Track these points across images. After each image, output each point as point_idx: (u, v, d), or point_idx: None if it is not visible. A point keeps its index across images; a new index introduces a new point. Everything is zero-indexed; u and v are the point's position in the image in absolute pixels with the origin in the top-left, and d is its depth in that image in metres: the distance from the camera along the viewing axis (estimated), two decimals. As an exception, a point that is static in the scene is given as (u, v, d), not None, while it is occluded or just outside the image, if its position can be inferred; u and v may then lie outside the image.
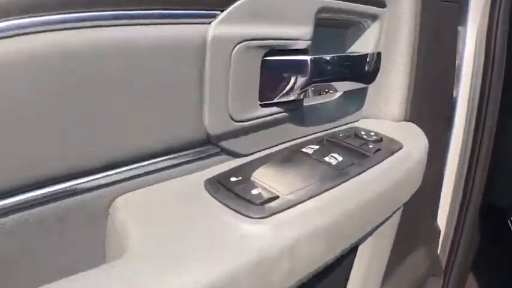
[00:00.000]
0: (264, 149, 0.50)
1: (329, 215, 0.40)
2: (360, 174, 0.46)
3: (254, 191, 0.39)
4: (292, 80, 0.48)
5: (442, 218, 0.98)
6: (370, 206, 0.46)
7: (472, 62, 0.91)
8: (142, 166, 0.40)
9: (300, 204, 0.39)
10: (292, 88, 0.48)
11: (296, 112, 0.52)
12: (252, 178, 0.42)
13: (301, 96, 0.49)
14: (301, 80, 0.47)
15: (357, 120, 0.63)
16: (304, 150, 0.49)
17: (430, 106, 0.73)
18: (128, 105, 0.36)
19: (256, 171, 0.44)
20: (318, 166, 0.46)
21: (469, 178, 0.99)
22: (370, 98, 0.64)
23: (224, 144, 0.45)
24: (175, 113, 0.40)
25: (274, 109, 0.49)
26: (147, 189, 0.41)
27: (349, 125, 0.61)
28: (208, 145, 0.44)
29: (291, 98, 0.48)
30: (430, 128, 0.68)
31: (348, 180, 0.44)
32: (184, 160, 0.43)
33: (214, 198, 0.39)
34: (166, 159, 0.42)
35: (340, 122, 0.60)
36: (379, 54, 0.59)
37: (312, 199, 0.40)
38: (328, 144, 0.53)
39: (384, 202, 0.50)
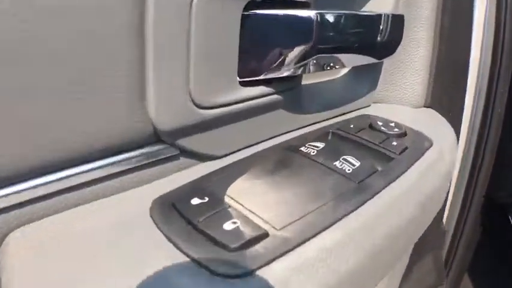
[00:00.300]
0: (245, 148, 0.35)
1: (347, 260, 0.25)
2: (385, 188, 0.31)
3: (228, 225, 0.24)
4: (288, 47, 0.32)
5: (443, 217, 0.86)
6: (398, 238, 0.32)
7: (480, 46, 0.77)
8: (50, 182, 0.25)
9: (303, 247, 0.24)
10: (287, 59, 0.33)
11: (291, 94, 0.37)
12: (225, 199, 0.27)
13: (299, 72, 0.34)
14: (301, 47, 0.32)
15: (368, 106, 0.48)
16: (303, 149, 0.34)
17: (450, 90, 0.58)
18: (24, 84, 0.21)
19: (233, 185, 0.29)
20: (326, 176, 0.31)
21: (473, 174, 0.88)
22: (386, 76, 0.48)
23: (184, 143, 0.30)
24: (98, 96, 0.24)
25: (260, 90, 0.33)
26: (56, 217, 0.26)
27: (359, 112, 0.46)
28: (159, 144, 0.29)
29: (285, 73, 0.33)
30: (449, 118, 0.54)
31: (370, 198, 0.29)
32: (119, 170, 0.27)
33: (162, 232, 0.24)
34: (90, 170, 0.26)
35: (347, 108, 0.45)
36: (401, 18, 0.43)
37: (321, 236, 0.25)
38: (336, 140, 0.38)
39: (413, 228, 0.35)
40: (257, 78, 0.33)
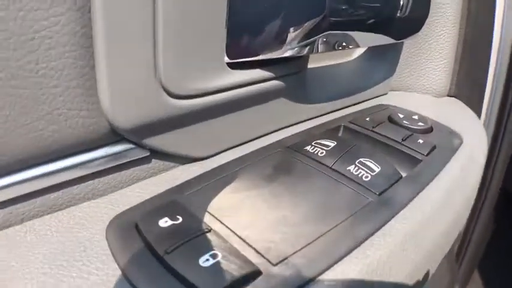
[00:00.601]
0: (235, 148, 0.28)
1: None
2: (412, 200, 0.24)
3: (205, 259, 0.17)
4: (293, 20, 0.25)
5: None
6: (430, 260, 0.25)
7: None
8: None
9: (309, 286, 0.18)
10: (290, 36, 0.26)
11: (294, 79, 0.30)
12: (205, 219, 0.20)
13: (305, 52, 0.27)
14: (309, 21, 0.25)
15: (385, 94, 0.41)
16: (309, 149, 0.27)
17: (473, 77, 0.51)
18: None
19: (216, 199, 0.22)
20: (339, 186, 0.24)
21: (489, 166, 0.81)
22: (406, 60, 0.41)
23: (154, 142, 0.23)
24: (35, 90, 0.17)
25: (255, 74, 0.26)
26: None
27: (374, 102, 0.39)
28: (123, 144, 0.22)
29: (287, 53, 0.26)
30: (474, 107, 0.47)
31: (395, 215, 0.23)
32: (69, 177, 0.21)
33: (117, 264, 0.18)
34: (29, 179, 0.20)
35: (361, 97, 0.38)
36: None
37: (334, 271, 0.18)
38: (349, 136, 0.31)
39: (445, 242, 0.29)
40: (251, 59, 0.26)
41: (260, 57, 0.26)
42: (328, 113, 0.34)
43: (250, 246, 0.19)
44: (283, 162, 0.26)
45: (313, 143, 0.28)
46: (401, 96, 0.41)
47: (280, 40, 0.26)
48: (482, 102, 0.65)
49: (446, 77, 0.43)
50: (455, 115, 0.39)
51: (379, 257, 0.20)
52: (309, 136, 0.29)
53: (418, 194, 0.25)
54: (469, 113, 0.42)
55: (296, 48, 0.27)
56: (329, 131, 0.31)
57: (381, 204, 0.23)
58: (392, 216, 0.22)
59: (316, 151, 0.27)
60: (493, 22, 0.59)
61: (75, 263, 0.18)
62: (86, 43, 0.18)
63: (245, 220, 0.20)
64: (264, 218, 0.21)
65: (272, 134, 0.31)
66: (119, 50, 0.19)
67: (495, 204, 0.87)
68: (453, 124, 0.36)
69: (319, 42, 0.28)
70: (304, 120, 0.33)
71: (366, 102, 0.38)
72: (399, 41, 0.38)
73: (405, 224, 0.22)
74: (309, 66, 0.33)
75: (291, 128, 0.32)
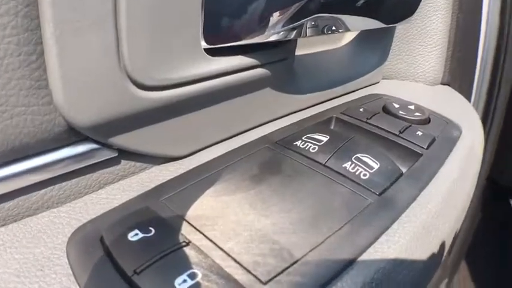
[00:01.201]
0: (216, 144, 0.25)
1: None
2: (415, 199, 0.22)
3: (182, 280, 0.15)
4: (278, 2, 0.22)
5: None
6: (433, 262, 0.23)
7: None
8: None
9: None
10: (275, 18, 0.23)
11: (281, 67, 0.27)
12: (182, 230, 0.17)
13: (293, 36, 0.24)
14: (297, 4, 0.22)
15: (377, 82, 0.39)
16: (299, 144, 0.24)
17: (465, 65, 0.49)
18: None
19: (196, 204, 0.19)
20: (335, 186, 0.21)
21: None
22: (398, 47, 0.39)
23: (121, 141, 0.20)
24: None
25: (237, 61, 0.23)
26: None
27: (366, 91, 0.36)
28: (88, 144, 0.19)
29: (272, 38, 0.23)
30: (467, 96, 0.45)
31: (398, 217, 0.20)
32: (24, 184, 0.18)
33: (78, 286, 0.15)
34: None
35: (352, 86, 0.35)
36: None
37: (333, 286, 0.16)
38: (343, 129, 0.28)
39: (449, 239, 0.26)
40: (232, 44, 0.23)
41: (242, 42, 0.23)
42: (319, 103, 0.32)
43: (235, 261, 0.16)
44: (271, 160, 0.23)
45: (303, 138, 0.25)
46: (394, 84, 0.38)
47: (264, 23, 0.23)
48: (472, 89, 0.64)
49: (440, 64, 0.40)
50: (451, 104, 0.37)
51: (384, 266, 0.18)
52: (299, 129, 0.26)
53: (420, 192, 0.22)
54: (464, 102, 0.40)
55: (282, 32, 0.24)
56: (320, 123, 0.28)
57: (382, 205, 0.20)
58: (395, 219, 0.20)
59: (308, 146, 0.24)
60: (481, 6, 0.57)
61: (30, 286, 0.15)
62: (31, 25, 0.15)
63: (229, 230, 0.18)
64: (251, 227, 0.18)
65: (258, 128, 0.28)
66: (73, 33, 0.15)
67: (482, 193, 0.87)
68: (450, 114, 0.33)
69: (308, 26, 0.25)
70: (293, 112, 0.30)
71: (357, 91, 0.35)
72: (391, 26, 0.36)
73: (409, 227, 0.20)
74: (297, 53, 0.31)
75: (279, 120, 0.29)
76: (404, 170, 0.24)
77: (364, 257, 0.18)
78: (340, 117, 0.29)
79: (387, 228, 0.19)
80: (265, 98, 0.27)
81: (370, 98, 0.33)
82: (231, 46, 0.22)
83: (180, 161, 0.24)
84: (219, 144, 0.26)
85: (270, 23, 0.23)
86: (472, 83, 0.66)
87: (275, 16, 0.23)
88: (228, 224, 0.18)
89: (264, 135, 0.26)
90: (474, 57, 0.59)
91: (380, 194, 0.21)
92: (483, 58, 0.71)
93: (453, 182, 0.25)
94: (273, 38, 0.24)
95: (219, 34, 0.22)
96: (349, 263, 0.17)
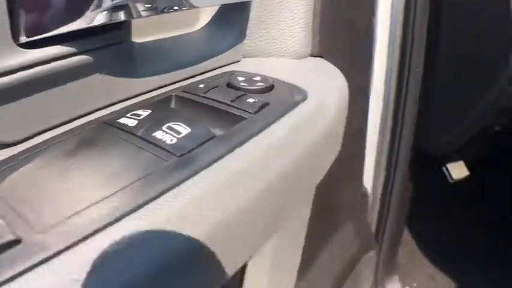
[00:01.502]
0: (53, 129, 0.27)
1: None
2: (221, 159, 0.24)
3: None
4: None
5: (367, 177, 0.80)
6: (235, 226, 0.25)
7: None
8: None
9: (75, 250, 0.17)
10: (93, 4, 0.25)
11: (115, 52, 0.29)
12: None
13: (120, 18, 0.26)
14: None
15: (237, 61, 0.41)
16: (121, 121, 0.26)
17: (345, 38, 0.52)
18: None
19: (8, 179, 0.21)
20: (138, 153, 0.23)
21: (395, 127, 0.84)
22: (257, 24, 0.41)
23: None
24: None
25: (57, 50, 0.25)
26: None
27: (223, 69, 0.38)
28: None
29: (97, 21, 0.25)
30: (347, 67, 0.48)
31: (191, 176, 0.22)
32: None
33: None
34: None
35: (205, 66, 0.37)
36: None
37: (107, 231, 0.18)
38: (180, 106, 0.30)
39: (284, 192, 0.29)
40: (51, 34, 0.24)
41: (63, 30, 0.25)
42: (169, 84, 0.34)
43: (22, 216, 0.18)
44: (91, 137, 0.25)
45: (128, 115, 0.27)
46: (256, 62, 0.41)
47: (83, 8, 0.25)
48: (363, 61, 0.67)
49: (306, 38, 0.43)
50: (311, 72, 0.40)
51: (169, 215, 0.20)
52: (129, 110, 0.28)
53: (227, 153, 0.25)
54: (329, 69, 0.43)
55: (106, 15, 0.26)
56: (159, 102, 0.30)
57: (180, 165, 0.23)
58: (186, 179, 0.22)
59: (127, 122, 0.26)
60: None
61: None
62: None
63: (26, 194, 0.20)
64: (48, 190, 0.20)
65: (104, 111, 0.30)
66: None
67: (412, 164, 0.89)
68: (304, 80, 0.36)
69: (140, 8, 0.27)
70: (139, 94, 0.32)
71: (214, 71, 0.38)
72: (244, 1, 0.38)
73: (204, 184, 0.22)
74: (145, 39, 0.33)
75: (128, 102, 0.31)
76: (219, 133, 0.26)
77: (147, 208, 0.20)
78: (180, 95, 0.31)
79: (179, 184, 0.22)
80: (102, 82, 0.29)
81: (220, 76, 0.35)
82: (55, 36, 0.24)
83: (14, 147, 0.25)
84: (58, 128, 0.27)
85: (91, 8, 0.25)
86: (366, 57, 0.69)
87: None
88: (28, 190, 0.20)
89: (99, 117, 0.28)
90: (363, 34, 0.62)
91: (181, 156, 0.23)
92: (392, 30, 0.75)
93: (274, 145, 0.27)
94: (96, 22, 0.25)
95: (36, 27, 0.24)
96: (130, 213, 0.19)
